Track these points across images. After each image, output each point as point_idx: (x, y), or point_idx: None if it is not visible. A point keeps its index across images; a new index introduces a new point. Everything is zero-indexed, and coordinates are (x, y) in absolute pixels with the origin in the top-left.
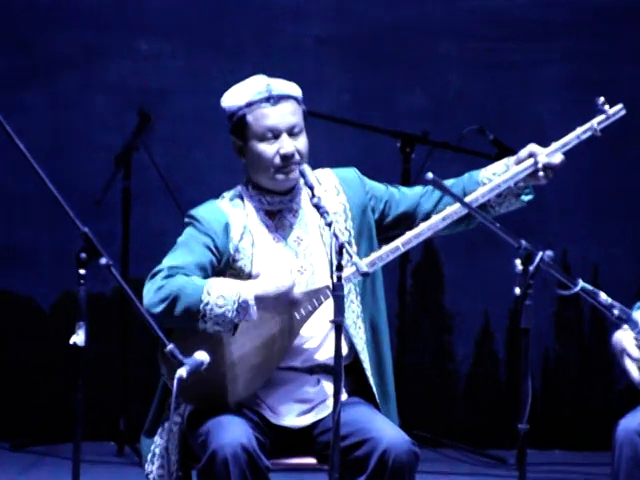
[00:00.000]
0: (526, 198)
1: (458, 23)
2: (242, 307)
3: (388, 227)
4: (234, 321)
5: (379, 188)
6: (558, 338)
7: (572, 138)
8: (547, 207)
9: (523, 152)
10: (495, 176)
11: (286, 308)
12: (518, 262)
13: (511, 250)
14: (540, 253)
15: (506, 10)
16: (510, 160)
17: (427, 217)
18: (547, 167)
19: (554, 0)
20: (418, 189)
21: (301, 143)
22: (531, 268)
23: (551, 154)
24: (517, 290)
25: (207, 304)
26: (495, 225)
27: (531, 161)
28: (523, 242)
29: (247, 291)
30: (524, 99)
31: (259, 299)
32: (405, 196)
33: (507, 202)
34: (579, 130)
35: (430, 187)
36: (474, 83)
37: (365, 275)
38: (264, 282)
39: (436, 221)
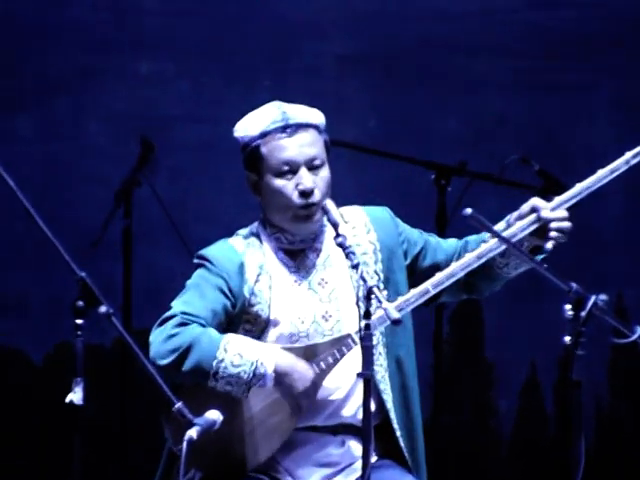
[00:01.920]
0: (538, 257)
1: (497, 39)
2: (259, 372)
3: (419, 276)
4: (249, 384)
5: (413, 232)
6: (613, 391)
7: (582, 188)
8: (600, 245)
9: (525, 207)
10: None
11: (293, 398)
12: (568, 307)
13: (560, 294)
14: (593, 297)
15: (551, 24)
16: (513, 216)
17: (462, 277)
18: (551, 226)
19: (604, 14)
20: (453, 242)
21: (322, 178)
22: (583, 314)
23: (556, 208)
24: (567, 338)
25: (222, 361)
26: (542, 266)
27: (533, 217)
28: (573, 285)
29: (268, 358)
30: (573, 124)
31: (278, 373)
32: (440, 247)
33: (513, 262)
34: (588, 181)
35: (464, 241)
36: (516, 106)
37: (396, 323)
38: (288, 358)
39: (469, 259)
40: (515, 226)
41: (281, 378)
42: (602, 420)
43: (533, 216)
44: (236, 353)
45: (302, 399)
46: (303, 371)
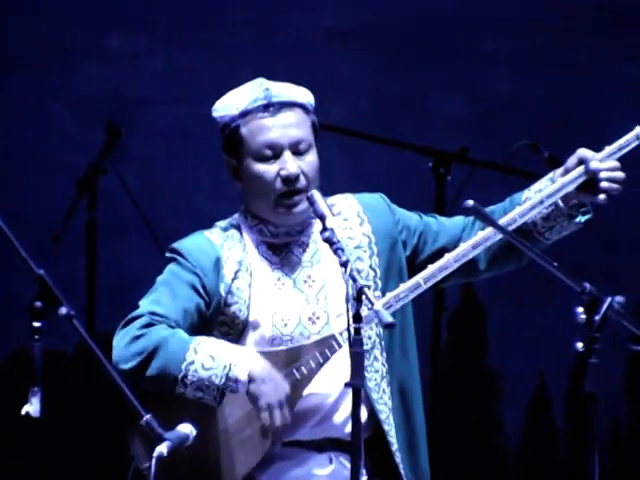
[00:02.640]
0: (582, 218)
1: (506, 13)
2: (231, 378)
3: (423, 265)
4: (221, 389)
5: (412, 218)
6: (631, 404)
7: (631, 138)
8: (616, 242)
9: (571, 159)
10: (539, 194)
11: (265, 408)
12: (580, 310)
13: (572, 295)
14: (608, 299)
15: None
16: (557, 172)
17: (481, 253)
18: (602, 176)
19: None
20: (459, 220)
21: (308, 163)
22: (597, 318)
23: (605, 159)
24: (579, 345)
25: (191, 363)
26: (552, 264)
27: (581, 169)
28: (587, 285)
29: (242, 361)
30: (589, 107)
31: (251, 379)
32: (444, 228)
33: (558, 225)
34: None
35: (473, 217)
36: (526, 87)
37: (389, 327)
38: (262, 364)
39: (465, 250)
40: (560, 181)
41: (253, 386)
42: (618, 436)
43: (581, 168)
44: (207, 355)
45: (274, 412)
46: (278, 381)
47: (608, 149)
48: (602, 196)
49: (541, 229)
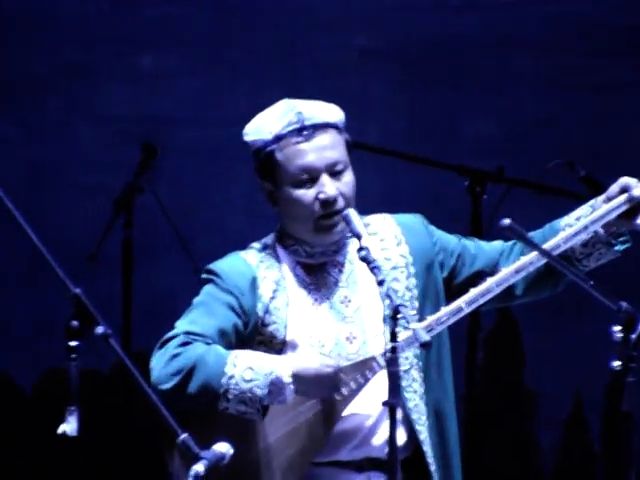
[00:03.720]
0: (621, 247)
1: (537, 32)
2: (275, 385)
3: (459, 288)
4: (264, 401)
5: (450, 240)
6: None
7: None
8: None
9: (614, 187)
10: (583, 219)
11: (327, 394)
12: (617, 329)
13: (609, 314)
14: None
15: (598, 16)
16: (598, 199)
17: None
18: None
19: None
20: (498, 244)
21: (345, 184)
22: (634, 336)
23: None
24: (616, 364)
25: (231, 377)
26: (588, 283)
27: (624, 197)
28: (623, 304)
29: (282, 366)
30: (624, 126)
31: (296, 377)
32: (482, 251)
33: (597, 252)
34: None
35: (512, 242)
36: (559, 107)
37: (426, 346)
38: (303, 358)
39: (507, 274)
40: (603, 208)
41: (300, 381)
42: None
43: (624, 196)
44: (247, 367)
45: (331, 392)
46: (321, 362)
47: None
48: None
49: (579, 256)
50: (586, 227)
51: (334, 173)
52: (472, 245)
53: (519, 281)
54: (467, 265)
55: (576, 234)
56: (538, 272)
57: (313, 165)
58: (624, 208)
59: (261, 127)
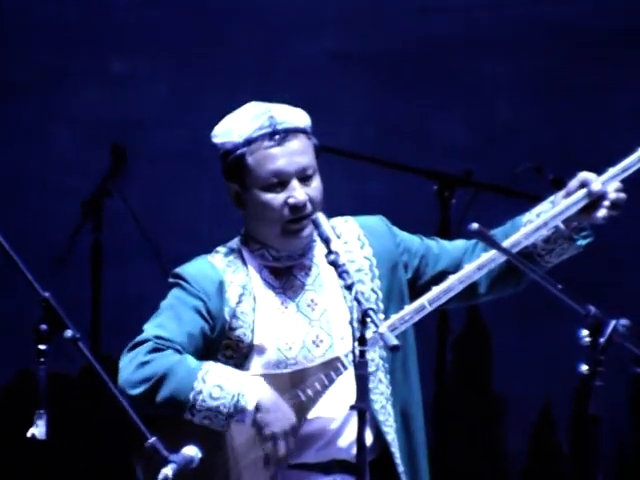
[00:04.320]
0: (582, 242)
1: (507, 36)
2: (239, 408)
3: (423, 288)
4: (229, 418)
5: (413, 241)
6: (635, 427)
7: (634, 160)
8: (620, 262)
9: (573, 182)
10: (544, 215)
11: (269, 440)
12: (585, 333)
13: (576, 318)
14: (613, 322)
15: (568, 19)
16: (558, 195)
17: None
18: (605, 199)
19: (633, 6)
20: (460, 243)
21: (314, 189)
22: (602, 340)
23: (608, 182)
24: (584, 368)
25: (199, 393)
26: (556, 286)
27: (583, 192)
28: (591, 308)
29: (250, 390)
30: (593, 131)
31: (259, 409)
32: (445, 251)
33: (558, 248)
34: None
35: (475, 241)
36: (529, 111)
37: (394, 349)
38: (271, 394)
39: (469, 271)
40: (562, 203)
41: (260, 415)
42: (623, 459)
43: (583, 191)
44: (215, 384)
45: (273, 449)
46: (284, 411)
47: (611, 171)
48: (601, 213)
49: (541, 251)
50: (546, 223)
51: (304, 178)
52: (435, 245)
53: (482, 279)
54: (431, 265)
55: (536, 230)
56: (500, 270)
57: (284, 170)
58: (583, 203)
59: (231, 130)
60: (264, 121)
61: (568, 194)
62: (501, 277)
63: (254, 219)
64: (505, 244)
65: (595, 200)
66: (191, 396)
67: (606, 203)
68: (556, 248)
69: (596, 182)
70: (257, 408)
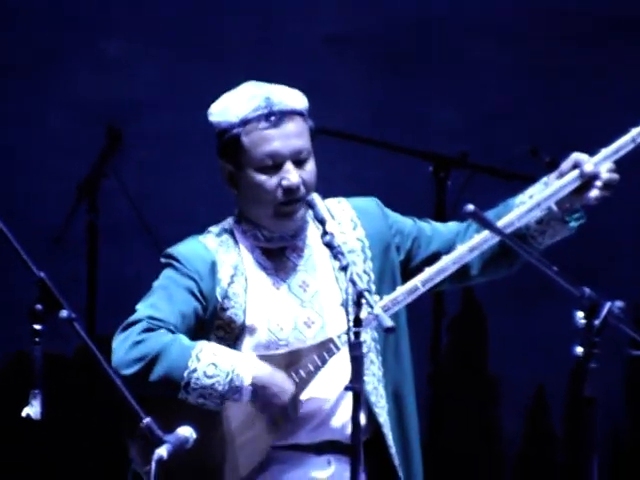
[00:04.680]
0: (575, 223)
1: (504, 19)
2: (235, 385)
3: (416, 270)
4: (224, 397)
5: (405, 223)
6: (630, 409)
7: (626, 141)
8: (617, 245)
9: (566, 163)
10: (537, 196)
11: (271, 413)
12: (580, 315)
13: (572, 300)
14: (608, 304)
15: (562, 3)
16: (551, 177)
17: (475, 258)
18: (597, 180)
19: None
20: (453, 225)
21: (308, 172)
22: (597, 322)
23: (601, 163)
24: (579, 350)
25: (194, 371)
26: (551, 268)
27: (576, 173)
28: (587, 290)
29: (245, 369)
30: (588, 113)
31: (255, 386)
32: (438, 233)
33: (551, 229)
34: (635, 131)
35: (467, 223)
36: (524, 94)
37: (390, 331)
38: (266, 369)
39: (462, 253)
40: (555, 184)
41: (258, 392)
42: (618, 442)
43: (576, 172)
44: (210, 363)
45: (279, 416)
46: (282, 384)
47: (603, 152)
48: (593, 193)
49: (534, 233)
50: (539, 204)
51: (298, 161)
52: (428, 227)
53: (475, 260)
54: (423, 247)
55: (529, 211)
56: (493, 252)
57: (279, 152)
58: (576, 184)
59: (227, 109)
60: (261, 102)
61: (561, 175)
62: (494, 259)
63: (247, 200)
64: (498, 225)
65: (588, 181)
66: (185, 374)
67: (598, 184)
68: (548, 230)
69: (588, 163)
70: (253, 384)
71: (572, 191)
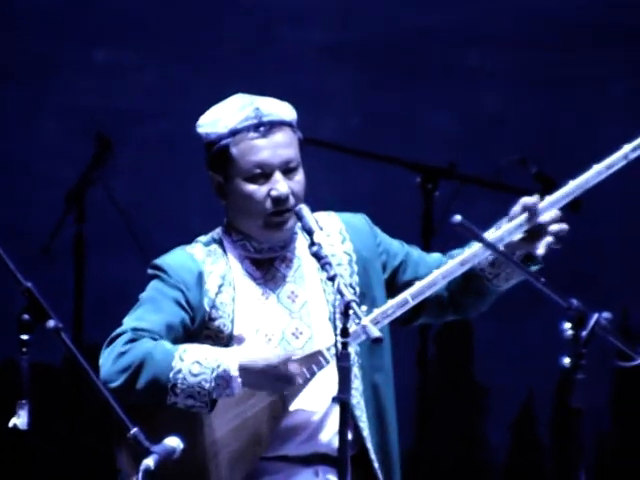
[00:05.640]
0: (533, 268)
1: (494, 28)
2: (222, 378)
3: (398, 291)
4: (212, 394)
5: (393, 244)
6: (616, 420)
7: (618, 158)
8: (605, 257)
9: (515, 207)
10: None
11: (277, 386)
12: (567, 326)
13: (559, 311)
14: (595, 315)
15: (555, 11)
16: (503, 220)
17: (444, 292)
18: (545, 228)
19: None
20: (437, 256)
21: (297, 182)
22: (584, 333)
23: (549, 207)
24: (566, 361)
25: (179, 371)
26: (539, 279)
27: (524, 217)
28: (574, 301)
29: (229, 359)
30: (579, 123)
31: (244, 370)
32: (423, 260)
33: (503, 273)
34: (627, 147)
35: (448, 255)
36: (515, 103)
37: (377, 342)
38: (250, 351)
39: (452, 266)
40: (503, 228)
41: (248, 372)
42: (604, 451)
43: (524, 216)
44: (194, 361)
45: (280, 384)
46: (266, 356)
47: (549, 199)
48: (541, 249)
49: (489, 275)
50: (481, 252)
51: (287, 171)
52: (415, 253)
53: (445, 292)
54: (409, 271)
55: (475, 257)
56: (459, 285)
57: (268, 162)
58: (525, 228)
59: (216, 120)
60: (249, 112)
61: (511, 219)
62: (463, 291)
63: (236, 210)
64: (439, 271)
65: (537, 228)
66: (171, 375)
67: (546, 238)
68: (501, 273)
69: (537, 205)
70: (240, 369)
71: (523, 238)
